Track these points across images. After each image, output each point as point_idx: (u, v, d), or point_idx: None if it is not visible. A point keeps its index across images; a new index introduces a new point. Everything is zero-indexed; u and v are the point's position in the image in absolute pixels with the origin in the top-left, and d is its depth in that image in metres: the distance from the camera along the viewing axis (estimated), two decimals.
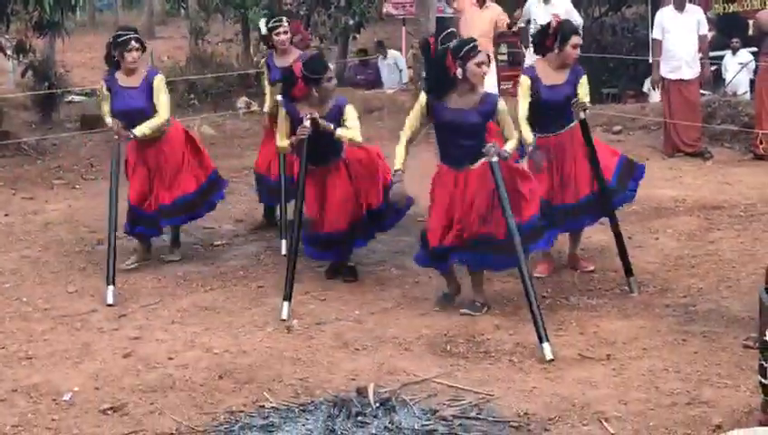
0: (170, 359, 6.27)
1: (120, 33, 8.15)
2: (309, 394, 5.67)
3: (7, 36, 15.11)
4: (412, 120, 6.92)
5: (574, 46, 7.43)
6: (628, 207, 9.23)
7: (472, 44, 6.70)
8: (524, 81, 7.53)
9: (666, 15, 12.47)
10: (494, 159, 6.51)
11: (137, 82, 8.03)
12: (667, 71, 12.38)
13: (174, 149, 8.21)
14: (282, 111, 7.47)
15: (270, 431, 5.18)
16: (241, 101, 16.74)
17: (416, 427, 5.17)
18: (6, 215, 10.20)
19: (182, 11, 24.39)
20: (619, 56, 16.90)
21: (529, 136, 7.29)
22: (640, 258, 7.86)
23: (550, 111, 7.40)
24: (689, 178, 11.11)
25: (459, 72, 6.63)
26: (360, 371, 5.98)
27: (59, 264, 8.40)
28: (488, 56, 6.81)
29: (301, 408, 5.43)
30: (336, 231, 7.53)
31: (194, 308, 7.21)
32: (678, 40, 12.21)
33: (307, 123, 7.11)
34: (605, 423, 5.19)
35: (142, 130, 7.87)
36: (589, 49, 16.70)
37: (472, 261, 6.91)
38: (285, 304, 6.94)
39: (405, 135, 6.94)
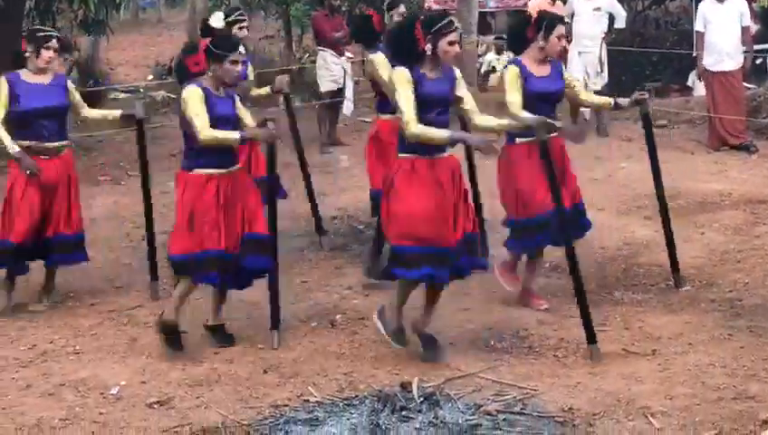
0: (216, 353, 6.32)
1: (40, 28, 7.79)
2: (353, 389, 5.69)
3: None
4: (410, 98, 5.87)
5: (560, 37, 6.85)
6: (674, 202, 9.18)
7: (447, 20, 5.97)
8: (512, 69, 6.81)
9: (707, 7, 12.37)
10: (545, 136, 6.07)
11: (47, 80, 7.30)
12: (709, 63, 12.29)
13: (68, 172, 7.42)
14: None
15: (314, 425, 5.20)
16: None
17: (460, 422, 5.18)
18: None
19: (224, 8, 24.54)
20: (662, 50, 16.79)
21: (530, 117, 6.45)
22: (686, 253, 7.80)
23: (543, 106, 6.73)
24: (735, 172, 11.02)
25: (429, 47, 5.88)
26: (403, 365, 5.99)
27: (105, 259, 8.48)
28: (461, 35, 6.21)
29: (345, 402, 5.45)
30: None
31: (239, 303, 7.23)
32: (720, 31, 12.11)
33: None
34: (650, 418, 5.17)
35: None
36: (632, 43, 16.66)
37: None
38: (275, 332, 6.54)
39: (414, 117, 5.83)
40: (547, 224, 6.56)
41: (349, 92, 13.40)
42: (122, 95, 17.48)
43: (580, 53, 12.81)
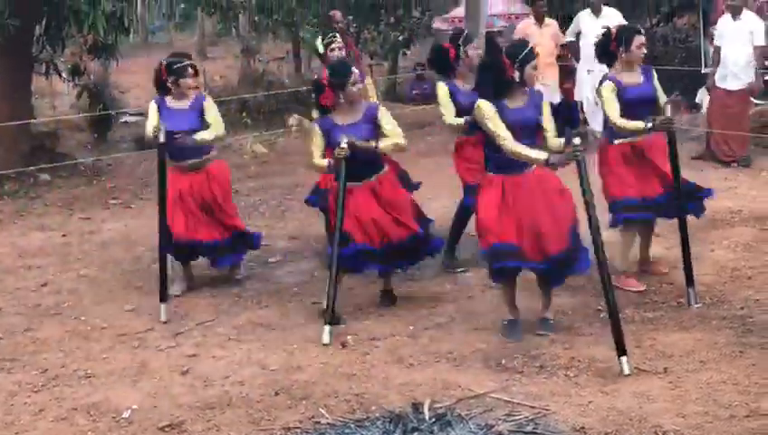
0: (227, 376, 6.32)
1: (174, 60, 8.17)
2: (364, 410, 5.68)
3: (62, 59, 15.34)
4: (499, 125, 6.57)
5: (639, 46, 7.52)
6: None
7: (528, 49, 6.65)
8: (607, 85, 7.51)
9: (722, 22, 12.41)
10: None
11: (186, 105, 8.07)
12: (717, 78, 12.35)
13: (220, 183, 8.17)
14: (315, 128, 7.25)
15: None
16: (293, 119, 16.88)
17: None
18: (64, 235, 10.34)
19: (233, 31, 24.66)
20: (670, 67, 16.79)
21: (638, 123, 7.29)
22: (696, 270, 7.76)
23: (637, 111, 7.39)
24: (744, 189, 11.00)
25: (516, 75, 6.55)
26: (415, 386, 5.98)
27: (116, 283, 8.50)
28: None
29: (357, 423, 5.44)
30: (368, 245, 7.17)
31: (249, 325, 7.26)
32: (729, 49, 12.14)
33: (344, 145, 6.90)
34: None
35: (202, 135, 7.90)
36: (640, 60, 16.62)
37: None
38: (327, 328, 6.86)
39: (509, 139, 6.51)
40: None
41: None
42: (133, 119, 17.54)
43: (588, 71, 12.87)
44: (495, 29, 20.22)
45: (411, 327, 7.08)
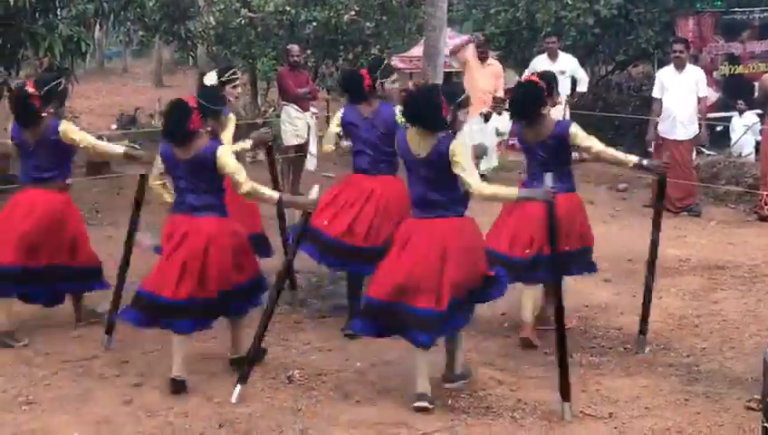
0: (170, 407, 6.25)
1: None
2: None
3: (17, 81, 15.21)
4: None
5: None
6: (632, 266, 9.26)
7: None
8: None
9: (665, 74, 12.59)
10: None
11: None
12: (663, 129, 12.48)
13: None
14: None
15: None
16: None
17: None
18: None
19: (191, 60, 24.61)
20: (624, 115, 17.00)
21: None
22: None
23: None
24: (693, 238, 11.13)
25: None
26: (360, 423, 5.95)
27: (61, 308, 8.37)
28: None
29: None
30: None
31: (195, 356, 7.18)
32: (675, 100, 12.31)
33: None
34: None
35: None
36: (595, 107, 16.84)
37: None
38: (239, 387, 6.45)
39: None
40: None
41: (312, 148, 13.47)
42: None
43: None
44: (453, 70, 20.41)
45: (359, 363, 7.05)
